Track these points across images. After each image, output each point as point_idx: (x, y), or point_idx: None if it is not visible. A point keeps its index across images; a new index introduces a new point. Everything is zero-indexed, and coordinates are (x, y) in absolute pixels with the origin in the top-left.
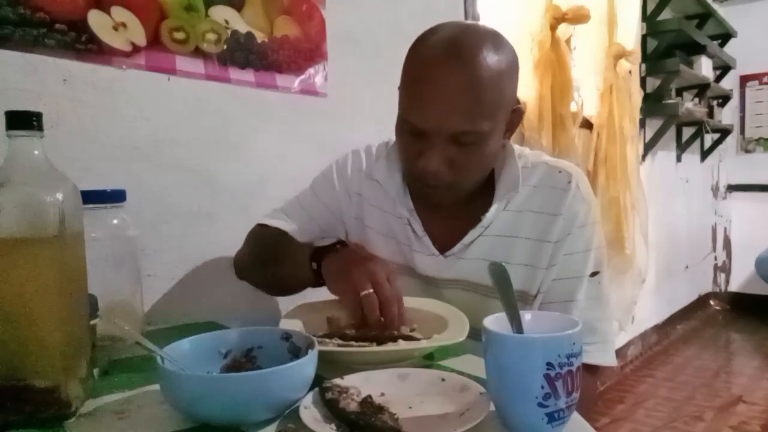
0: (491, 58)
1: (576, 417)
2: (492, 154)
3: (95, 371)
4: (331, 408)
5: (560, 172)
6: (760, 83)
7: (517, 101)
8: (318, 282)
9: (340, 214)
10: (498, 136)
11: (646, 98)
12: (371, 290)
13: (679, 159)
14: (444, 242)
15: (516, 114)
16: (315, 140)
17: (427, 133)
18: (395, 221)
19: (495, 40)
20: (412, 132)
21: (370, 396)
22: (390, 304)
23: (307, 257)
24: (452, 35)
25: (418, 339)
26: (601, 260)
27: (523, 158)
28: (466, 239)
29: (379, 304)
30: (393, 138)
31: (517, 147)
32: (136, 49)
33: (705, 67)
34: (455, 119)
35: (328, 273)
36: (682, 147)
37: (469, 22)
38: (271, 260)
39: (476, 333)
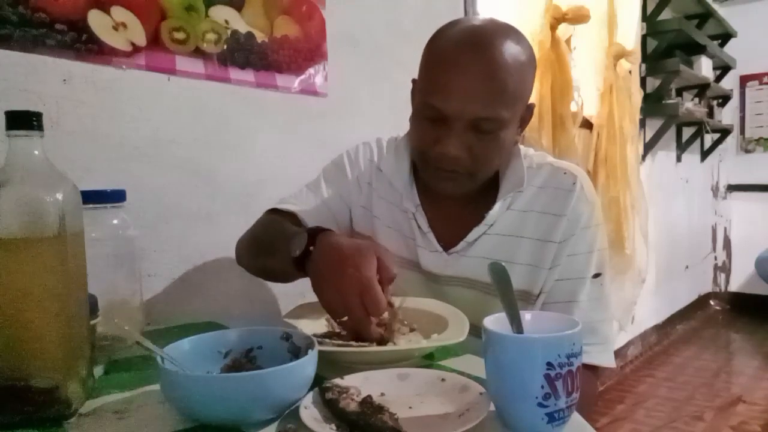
0: (515, 48)
1: (576, 417)
2: (507, 147)
3: (95, 371)
4: (331, 408)
5: (565, 173)
6: (760, 83)
7: None
8: (299, 273)
9: (349, 201)
10: (514, 128)
11: (646, 98)
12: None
13: (679, 159)
14: (448, 239)
15: (529, 110)
16: (315, 140)
17: (447, 118)
18: (401, 215)
19: (517, 33)
20: (431, 118)
21: (370, 396)
22: (361, 331)
23: (289, 247)
24: (476, 25)
25: (417, 339)
26: (604, 262)
27: (527, 158)
28: (470, 237)
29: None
30: (401, 134)
31: (522, 147)
32: (136, 49)
33: (705, 67)
34: (478, 105)
35: (314, 277)
36: (682, 147)
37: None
38: (264, 249)
39: (478, 331)
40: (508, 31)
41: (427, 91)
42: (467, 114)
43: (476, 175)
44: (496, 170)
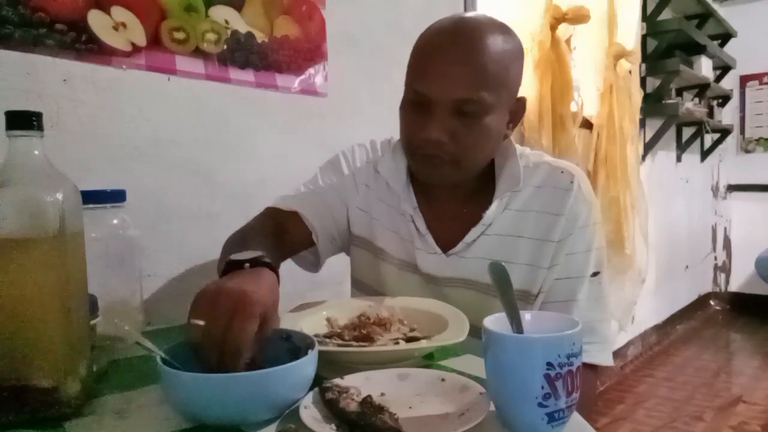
0: (497, 36)
1: (576, 417)
2: (493, 136)
3: (95, 371)
4: (331, 408)
5: (562, 172)
6: (760, 83)
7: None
8: None
9: (346, 200)
10: (500, 117)
11: (646, 98)
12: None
13: (679, 159)
14: (447, 241)
15: (520, 104)
16: (315, 140)
17: (430, 102)
18: (399, 217)
19: (502, 25)
20: (415, 103)
21: (370, 396)
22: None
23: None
24: (461, 17)
25: (418, 339)
26: (602, 260)
27: (524, 158)
28: (468, 238)
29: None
30: (396, 136)
31: (518, 146)
32: (136, 49)
33: (705, 67)
34: (458, 86)
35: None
36: (682, 147)
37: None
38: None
39: (477, 331)
40: (493, 22)
41: (411, 78)
42: (448, 95)
43: (461, 162)
44: (488, 164)
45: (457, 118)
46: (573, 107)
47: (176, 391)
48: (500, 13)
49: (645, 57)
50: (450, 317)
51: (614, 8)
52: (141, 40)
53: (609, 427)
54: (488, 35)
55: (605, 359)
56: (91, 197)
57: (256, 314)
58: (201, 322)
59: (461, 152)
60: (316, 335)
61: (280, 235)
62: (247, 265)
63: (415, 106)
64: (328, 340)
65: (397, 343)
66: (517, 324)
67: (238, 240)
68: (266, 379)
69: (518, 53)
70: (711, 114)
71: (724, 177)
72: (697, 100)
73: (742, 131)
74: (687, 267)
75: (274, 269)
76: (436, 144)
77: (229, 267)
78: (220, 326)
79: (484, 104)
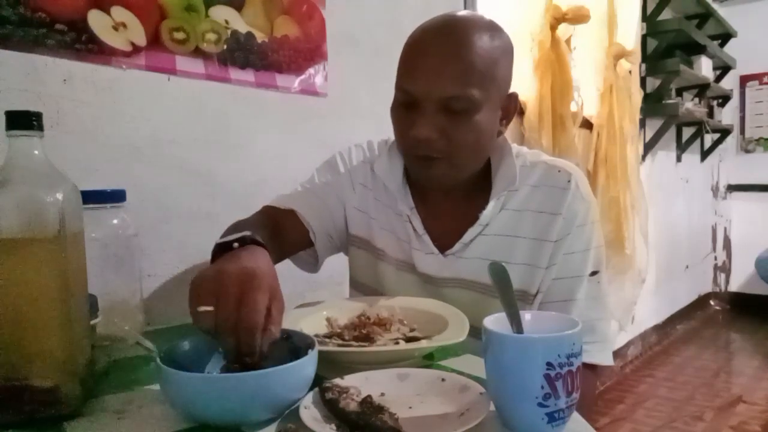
0: (483, 33)
1: (576, 417)
2: (485, 132)
3: (95, 371)
4: (331, 408)
5: (560, 171)
6: (760, 83)
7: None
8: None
9: (342, 199)
10: (491, 113)
11: (646, 98)
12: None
13: (679, 159)
14: (444, 241)
15: (512, 100)
16: (315, 140)
17: (419, 101)
18: (396, 218)
19: (490, 22)
20: (405, 103)
21: (370, 396)
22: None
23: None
24: (448, 16)
25: (418, 339)
26: (601, 259)
27: (521, 157)
28: (465, 238)
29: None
30: (392, 136)
31: (515, 146)
32: (136, 49)
33: (705, 67)
34: (445, 83)
35: (212, 270)
36: (682, 147)
37: None
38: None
39: (476, 332)
40: (480, 20)
41: (400, 78)
42: (435, 93)
43: (454, 160)
44: (484, 164)
45: (447, 115)
46: (573, 107)
47: (176, 391)
48: (500, 13)
49: (645, 57)
50: (450, 317)
51: (614, 8)
52: (141, 40)
53: (609, 427)
54: (474, 32)
55: (605, 359)
56: (91, 197)
57: (265, 287)
58: (209, 308)
59: (453, 150)
60: (316, 335)
61: (277, 233)
62: (236, 244)
63: (405, 107)
64: (328, 340)
65: (397, 343)
66: (517, 324)
67: (233, 230)
68: (266, 379)
69: (507, 49)
70: (711, 114)
71: (724, 177)
72: (697, 100)
73: (742, 131)
74: (687, 267)
75: (265, 247)
76: (426, 142)
77: (218, 252)
78: (232, 307)
79: (473, 101)
